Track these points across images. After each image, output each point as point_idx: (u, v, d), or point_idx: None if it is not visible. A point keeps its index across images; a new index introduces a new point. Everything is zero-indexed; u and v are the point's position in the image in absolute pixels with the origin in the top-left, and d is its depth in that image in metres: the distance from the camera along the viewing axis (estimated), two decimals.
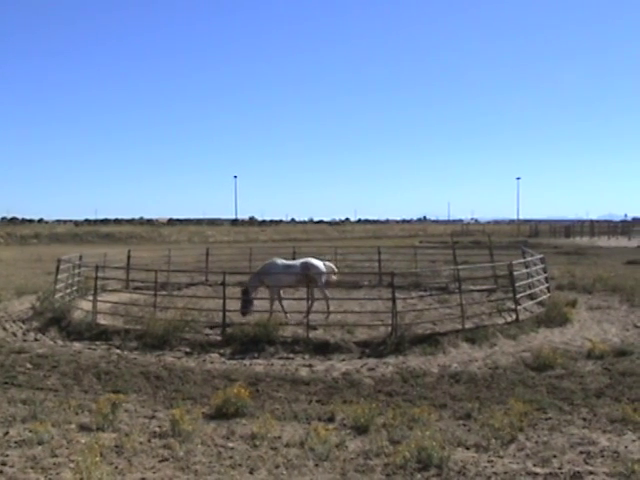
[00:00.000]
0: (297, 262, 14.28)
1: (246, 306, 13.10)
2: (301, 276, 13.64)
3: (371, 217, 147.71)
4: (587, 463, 5.87)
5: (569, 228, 67.26)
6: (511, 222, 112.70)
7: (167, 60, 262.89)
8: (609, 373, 9.30)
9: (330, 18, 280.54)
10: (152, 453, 6.14)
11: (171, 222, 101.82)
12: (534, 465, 5.82)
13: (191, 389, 8.68)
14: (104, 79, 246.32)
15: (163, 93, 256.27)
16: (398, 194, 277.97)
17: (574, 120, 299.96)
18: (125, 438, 6.44)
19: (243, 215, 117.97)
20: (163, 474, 5.63)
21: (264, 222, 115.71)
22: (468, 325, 12.17)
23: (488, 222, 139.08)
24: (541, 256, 17.06)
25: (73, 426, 6.89)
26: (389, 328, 11.71)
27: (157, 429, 6.88)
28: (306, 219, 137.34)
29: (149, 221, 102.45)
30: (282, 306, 13.62)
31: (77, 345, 11.56)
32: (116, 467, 5.72)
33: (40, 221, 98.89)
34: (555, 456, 6.04)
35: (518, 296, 13.62)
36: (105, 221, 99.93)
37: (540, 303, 14.92)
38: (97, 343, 11.70)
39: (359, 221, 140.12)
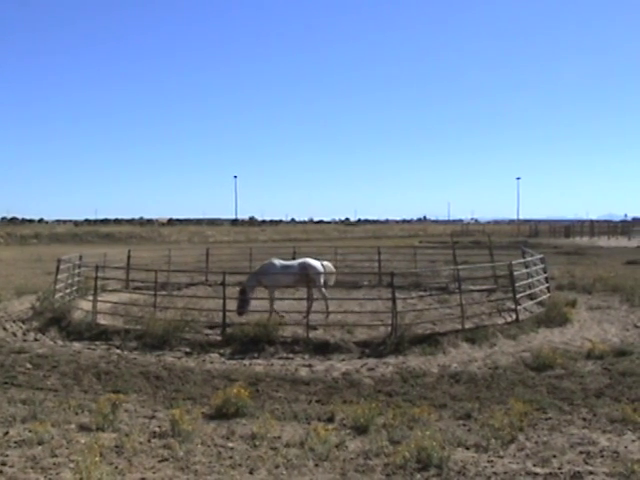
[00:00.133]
0: (295, 262, 14.30)
1: (243, 306, 13.11)
2: (299, 276, 13.67)
3: (371, 217, 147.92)
4: (587, 463, 5.87)
5: (569, 228, 67.29)
6: (511, 222, 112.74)
7: (167, 60, 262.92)
8: (609, 373, 9.30)
9: (330, 18, 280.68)
10: (152, 453, 6.14)
11: (171, 222, 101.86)
12: (534, 465, 5.82)
13: (191, 389, 8.68)
14: (104, 79, 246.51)
15: (163, 93, 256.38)
16: (398, 194, 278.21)
17: (574, 120, 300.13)
18: (125, 438, 6.44)
19: (243, 215, 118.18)
20: (163, 474, 5.63)
21: (264, 222, 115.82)
22: (468, 325, 12.18)
23: (488, 222, 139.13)
24: (541, 256, 17.07)
25: (73, 426, 6.89)
26: (389, 328, 11.71)
27: (157, 429, 6.88)
28: (306, 219, 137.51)
29: (149, 221, 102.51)
30: (272, 305, 13.58)
31: (77, 345, 11.56)
32: (116, 467, 5.72)
33: (40, 221, 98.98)
34: (555, 456, 6.04)
35: (518, 296, 13.62)
36: (105, 221, 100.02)
37: (540, 303, 14.92)
38: (97, 343, 11.70)
39: (359, 221, 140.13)
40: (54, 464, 5.80)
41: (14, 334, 12.53)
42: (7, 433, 6.63)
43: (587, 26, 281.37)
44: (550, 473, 5.63)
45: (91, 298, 13.67)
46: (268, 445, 6.37)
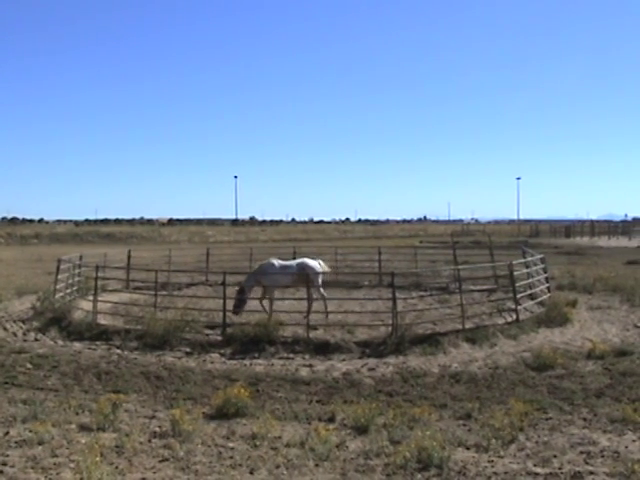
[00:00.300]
0: (293, 262, 14.32)
1: (239, 305, 13.10)
2: (297, 276, 13.70)
3: (371, 217, 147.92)
4: (587, 463, 5.87)
5: (569, 228, 67.25)
6: (511, 222, 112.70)
7: (167, 60, 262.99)
8: (609, 373, 9.30)
9: (330, 18, 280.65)
10: (152, 453, 6.14)
11: (171, 222, 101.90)
12: (534, 465, 5.82)
13: (191, 389, 8.68)
14: (104, 79, 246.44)
15: (163, 93, 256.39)
16: (398, 194, 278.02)
17: (574, 120, 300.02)
18: (125, 438, 6.44)
19: (243, 215, 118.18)
20: (163, 474, 5.63)
21: (264, 222, 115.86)
22: (468, 325, 12.18)
23: (488, 222, 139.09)
24: (541, 256, 17.06)
25: (73, 426, 6.89)
26: (389, 328, 11.71)
27: (157, 429, 6.88)
28: (306, 219, 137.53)
29: (149, 221, 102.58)
30: (262, 305, 13.57)
31: (77, 345, 11.56)
32: (116, 467, 5.72)
33: (40, 221, 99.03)
34: (555, 456, 6.04)
35: (518, 296, 13.62)
36: (105, 221, 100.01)
37: (540, 303, 14.92)
38: (97, 343, 11.71)
39: (359, 221, 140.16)
40: (54, 464, 5.80)
41: (14, 334, 12.53)
42: (8, 433, 6.63)
43: (587, 26, 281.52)
44: (550, 473, 5.63)
45: (91, 298, 13.67)
46: (268, 445, 6.37)
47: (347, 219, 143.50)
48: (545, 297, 15.37)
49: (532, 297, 15.26)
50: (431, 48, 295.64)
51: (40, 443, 6.29)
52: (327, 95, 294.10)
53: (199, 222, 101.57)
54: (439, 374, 9.47)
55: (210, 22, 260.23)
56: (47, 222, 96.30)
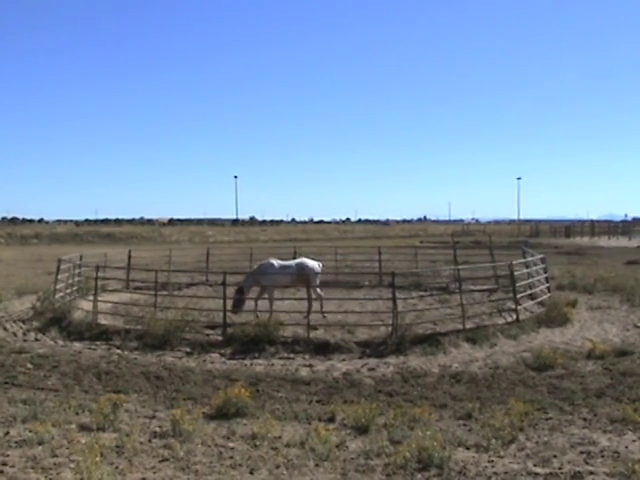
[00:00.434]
0: (292, 262, 14.34)
1: (238, 305, 13.09)
2: (296, 276, 13.71)
3: (371, 217, 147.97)
4: (587, 463, 5.86)
5: (569, 228, 67.21)
6: (511, 222, 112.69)
7: (167, 60, 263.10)
8: (610, 373, 9.30)
9: (330, 18, 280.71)
10: (152, 453, 6.14)
11: (172, 222, 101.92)
12: (534, 465, 5.82)
13: (192, 389, 8.68)
14: (104, 79, 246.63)
15: (163, 93, 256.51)
16: (398, 194, 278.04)
17: (574, 120, 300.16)
18: (125, 438, 6.44)
19: (244, 215, 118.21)
20: (164, 474, 5.63)
21: (264, 222, 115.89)
22: (469, 325, 12.17)
23: (489, 222, 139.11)
24: (541, 256, 17.06)
25: (73, 426, 6.88)
26: (390, 328, 11.71)
27: (157, 429, 6.88)
28: (306, 219, 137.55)
29: (149, 221, 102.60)
30: (256, 305, 13.57)
31: (77, 345, 11.56)
32: (116, 467, 5.72)
33: (40, 221, 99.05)
34: (555, 456, 6.04)
35: (518, 296, 13.62)
36: (105, 221, 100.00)
37: (540, 303, 14.92)
38: (97, 343, 11.70)
39: (359, 221, 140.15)
40: (55, 464, 5.80)
41: (15, 334, 12.53)
42: (8, 433, 6.63)
43: (587, 26, 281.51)
44: (551, 473, 5.62)
45: (91, 298, 13.67)
46: (269, 445, 6.37)
47: (347, 219, 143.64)
48: (545, 297, 15.37)
49: (532, 297, 15.25)
50: (431, 48, 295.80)
51: (40, 443, 6.29)
52: (327, 95, 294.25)
53: (199, 222, 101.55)
54: (439, 374, 9.47)
55: (210, 22, 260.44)
56: (47, 222, 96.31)
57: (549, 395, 8.24)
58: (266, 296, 13.79)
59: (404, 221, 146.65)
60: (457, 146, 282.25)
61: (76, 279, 16.03)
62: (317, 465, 5.85)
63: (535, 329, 12.49)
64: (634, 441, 6.43)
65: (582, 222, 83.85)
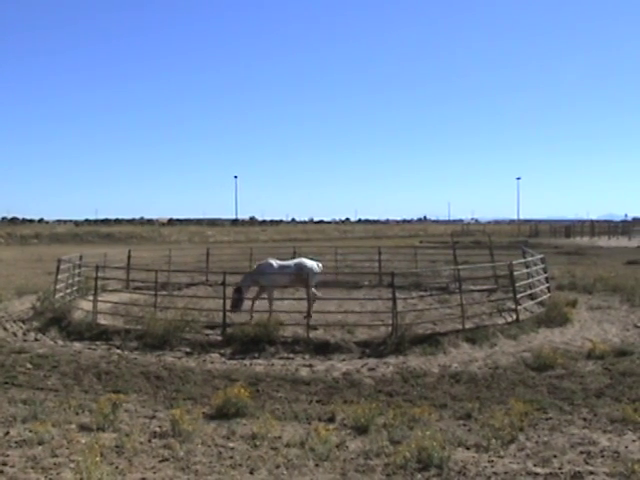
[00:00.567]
0: (291, 262, 14.34)
1: (237, 305, 13.09)
2: (295, 276, 13.72)
3: (371, 217, 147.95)
4: (587, 463, 5.87)
5: (569, 228, 67.21)
6: (511, 222, 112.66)
7: (167, 60, 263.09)
8: (609, 373, 9.30)
9: (330, 18, 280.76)
10: (152, 453, 6.14)
11: (171, 222, 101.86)
12: (534, 465, 5.82)
13: (191, 389, 8.68)
14: (104, 79, 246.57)
15: (163, 93, 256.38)
16: (398, 194, 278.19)
17: (574, 120, 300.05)
18: (125, 438, 6.44)
19: (243, 215, 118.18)
20: (163, 474, 5.63)
21: (264, 222, 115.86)
22: (468, 325, 12.18)
23: (488, 222, 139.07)
24: (541, 256, 17.06)
25: (73, 426, 6.89)
26: (389, 328, 11.71)
27: (157, 429, 6.88)
28: (306, 219, 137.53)
29: (149, 221, 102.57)
30: (253, 305, 13.57)
31: (77, 345, 11.56)
32: (116, 467, 5.72)
33: (40, 221, 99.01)
34: (555, 456, 6.04)
35: (518, 296, 13.62)
36: (105, 221, 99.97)
37: (540, 303, 14.92)
38: (97, 343, 11.70)
39: (359, 221, 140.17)
40: (54, 464, 5.80)
41: (14, 334, 12.53)
42: (8, 433, 6.63)
43: (587, 25, 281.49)
44: (550, 473, 5.63)
45: (91, 298, 13.67)
46: (268, 445, 6.37)
47: (347, 219, 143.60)
48: (545, 297, 15.37)
49: (532, 297, 15.25)
50: (431, 48, 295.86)
51: (40, 443, 6.30)
52: (327, 95, 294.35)
53: (199, 222, 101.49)
54: (439, 374, 9.47)
55: (210, 22, 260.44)
56: (47, 222, 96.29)
57: (549, 395, 8.24)
58: (265, 296, 13.80)
59: (404, 221, 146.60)
60: (457, 146, 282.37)
61: (76, 279, 16.04)
62: (317, 465, 5.85)
63: (535, 329, 12.49)
64: (634, 441, 6.43)
65: (582, 222, 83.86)
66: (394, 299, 11.87)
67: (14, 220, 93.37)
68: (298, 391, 8.61)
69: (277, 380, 9.14)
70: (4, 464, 5.78)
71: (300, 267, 13.82)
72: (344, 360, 10.40)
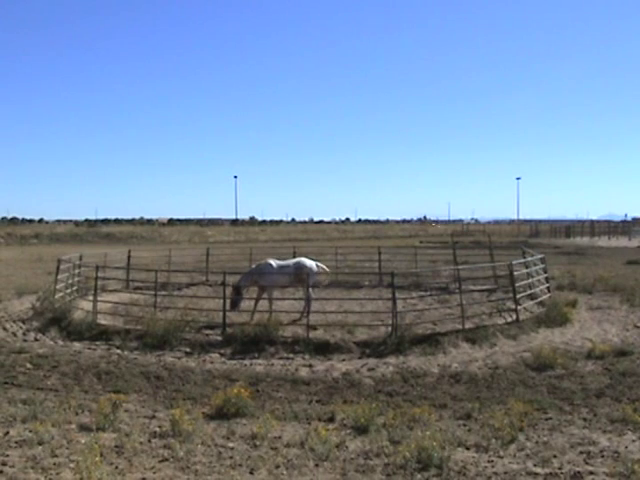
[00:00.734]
0: (290, 262, 14.35)
1: (235, 304, 13.08)
2: (294, 276, 13.74)
3: (371, 217, 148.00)
4: (587, 463, 5.87)
5: (569, 228, 67.20)
6: (511, 222, 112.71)
7: (167, 60, 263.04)
8: (609, 373, 9.31)
9: (330, 18, 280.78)
10: (152, 453, 6.14)
11: (171, 222, 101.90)
12: (534, 465, 5.83)
13: (191, 389, 8.68)
14: (104, 79, 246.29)
15: (163, 93, 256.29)
16: (398, 194, 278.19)
17: (574, 120, 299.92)
18: (125, 438, 6.44)
19: (243, 215, 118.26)
20: (163, 474, 5.64)
21: (264, 222, 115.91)
22: (468, 325, 12.18)
23: (488, 222, 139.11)
24: (541, 256, 17.07)
25: (73, 426, 6.89)
26: (389, 328, 11.72)
27: (157, 429, 6.88)
28: (306, 219, 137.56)
29: (149, 221, 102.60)
30: (255, 305, 13.58)
31: (77, 345, 11.57)
32: (116, 467, 5.73)
33: (40, 221, 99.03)
34: (555, 456, 6.04)
35: (518, 296, 13.62)
36: (105, 221, 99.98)
37: (540, 303, 14.92)
38: (97, 343, 11.71)
39: (359, 221, 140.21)
40: (54, 464, 5.80)
41: (14, 334, 12.53)
42: (7, 433, 6.63)
43: (587, 25, 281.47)
44: (550, 473, 5.63)
45: (91, 298, 13.67)
46: (268, 445, 6.38)
47: (347, 219, 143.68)
48: (545, 297, 15.37)
49: (532, 297, 15.25)
50: (431, 48, 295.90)
51: (40, 443, 6.30)
52: (327, 95, 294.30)
53: (199, 222, 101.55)
54: (439, 374, 9.47)
55: (210, 22, 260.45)
56: (47, 222, 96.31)
57: (549, 395, 8.24)
58: (265, 296, 13.81)
59: (404, 221, 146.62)
60: (457, 146, 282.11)
61: (76, 279, 16.04)
62: (317, 465, 5.86)
63: (535, 329, 12.49)
64: (634, 441, 6.43)
65: (582, 222, 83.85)
66: (394, 299, 11.88)
67: (14, 220, 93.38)
68: (298, 391, 8.61)
69: (277, 380, 9.14)
70: (4, 464, 5.78)
71: (299, 267, 13.83)
72: (344, 360, 10.40)
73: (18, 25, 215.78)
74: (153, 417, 7.38)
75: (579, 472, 5.62)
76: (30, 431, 6.58)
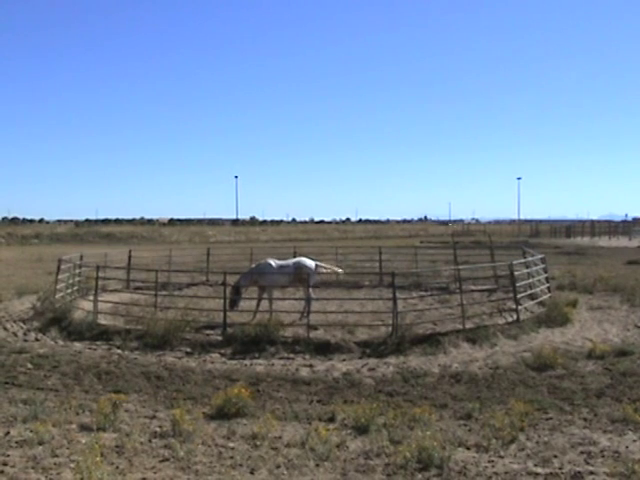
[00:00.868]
0: (290, 262, 14.35)
1: (234, 304, 13.08)
2: (294, 276, 13.74)
3: (372, 217, 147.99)
4: (588, 463, 5.87)
5: (570, 228, 67.19)
6: (512, 222, 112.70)
7: (167, 60, 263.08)
8: (610, 373, 9.30)
9: (330, 18, 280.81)
10: (153, 453, 6.14)
11: (172, 222, 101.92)
12: (535, 465, 5.82)
13: (192, 389, 8.68)
14: (104, 79, 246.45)
15: (164, 93, 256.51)
16: (399, 194, 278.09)
17: (574, 120, 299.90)
18: (126, 438, 6.45)
19: (244, 215, 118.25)
20: (164, 474, 5.64)
21: (265, 222, 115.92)
22: (469, 325, 12.18)
23: (489, 222, 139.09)
24: (542, 256, 17.06)
25: (74, 426, 6.89)
26: (390, 328, 11.72)
27: (158, 429, 6.88)
28: (307, 219, 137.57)
29: (150, 221, 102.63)
30: (257, 306, 13.58)
31: (78, 345, 11.57)
32: (117, 467, 5.73)
33: (41, 221, 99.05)
34: (556, 456, 6.04)
35: (519, 296, 13.62)
36: (106, 221, 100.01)
37: (541, 303, 14.92)
38: (98, 343, 11.71)
39: (360, 221, 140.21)
40: (55, 464, 5.80)
41: (15, 334, 12.53)
42: (8, 433, 6.64)
43: (587, 26, 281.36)
44: (551, 473, 5.63)
45: (92, 298, 13.67)
46: (269, 445, 6.38)
47: (348, 219, 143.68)
48: (545, 297, 15.37)
49: (532, 297, 15.25)
50: (431, 48, 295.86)
51: (40, 443, 6.30)
52: (328, 95, 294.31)
53: (200, 222, 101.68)
54: (439, 374, 9.47)
55: (210, 22, 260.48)
56: (47, 222, 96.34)
57: (549, 395, 8.24)
58: (265, 296, 13.82)
59: (404, 221, 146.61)
60: (457, 146, 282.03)
61: (76, 279, 16.05)
62: (317, 465, 5.86)
63: (535, 329, 12.49)
64: (634, 441, 6.43)
65: (582, 222, 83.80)
66: (394, 299, 11.88)
67: (15, 220, 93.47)
68: (298, 391, 8.61)
69: (277, 380, 9.14)
70: (4, 464, 5.78)
71: (299, 267, 13.84)
72: (344, 360, 10.40)
73: (18, 25, 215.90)
74: (154, 417, 7.38)
75: (580, 472, 5.62)
76: (31, 431, 6.59)
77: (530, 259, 16.56)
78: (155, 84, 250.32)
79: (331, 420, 7.24)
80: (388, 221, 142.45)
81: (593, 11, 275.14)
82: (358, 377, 9.34)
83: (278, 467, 5.81)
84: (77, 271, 16.23)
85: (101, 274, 14.28)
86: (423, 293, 17.64)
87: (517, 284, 13.82)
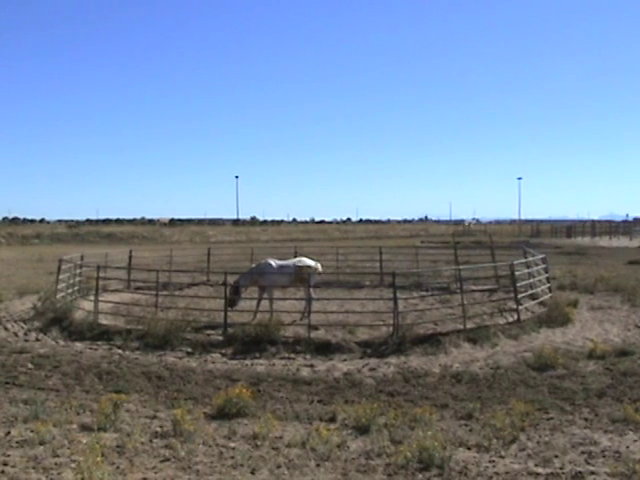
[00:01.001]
0: (290, 262, 14.36)
1: (233, 304, 13.08)
2: (295, 276, 13.75)
3: (373, 217, 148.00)
4: (589, 463, 5.87)
5: (570, 228, 67.15)
6: (513, 222, 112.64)
7: (167, 60, 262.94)
8: (610, 373, 9.30)
9: (331, 18, 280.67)
10: (154, 453, 6.14)
11: (173, 222, 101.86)
12: (536, 465, 5.82)
13: (193, 389, 8.69)
14: (105, 79, 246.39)
15: (164, 93, 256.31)
16: (400, 194, 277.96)
17: (575, 120, 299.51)
18: (126, 438, 6.45)
19: (244, 215, 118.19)
20: (165, 474, 5.64)
21: (265, 222, 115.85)
22: (469, 325, 12.18)
23: (490, 222, 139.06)
24: (542, 256, 17.06)
25: (75, 426, 6.89)
26: (390, 328, 11.72)
27: (159, 429, 6.89)
28: (307, 219, 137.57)
29: (150, 221, 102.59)
30: (258, 306, 13.59)
31: (78, 345, 11.58)
32: (117, 467, 5.73)
33: (41, 221, 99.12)
34: (557, 456, 6.04)
35: (519, 296, 13.62)
36: (107, 221, 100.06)
37: (541, 303, 14.92)
38: (98, 343, 11.72)
39: (360, 221, 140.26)
40: (56, 464, 5.81)
41: (16, 334, 12.55)
42: (9, 433, 6.64)
43: (587, 26, 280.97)
44: (552, 473, 5.63)
45: (93, 298, 13.68)
46: (270, 445, 6.38)
47: (348, 219, 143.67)
48: (546, 297, 15.36)
49: (533, 297, 15.25)
50: (431, 48, 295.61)
51: (41, 443, 6.30)
52: (328, 95, 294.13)
53: (200, 222, 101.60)
54: (440, 374, 9.47)
55: (210, 22, 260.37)
56: (48, 222, 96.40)
57: (550, 395, 8.24)
58: (266, 296, 13.82)
59: (405, 221, 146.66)
60: (458, 146, 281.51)
61: (77, 279, 16.06)
62: (318, 465, 5.86)
63: (536, 329, 12.49)
64: (635, 441, 6.43)
65: (583, 222, 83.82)
66: (395, 299, 11.88)
67: (15, 220, 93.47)
68: (299, 391, 8.62)
69: (278, 380, 9.14)
70: (5, 464, 5.79)
71: (300, 266, 13.84)
72: (345, 360, 10.40)
73: (18, 25, 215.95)
74: (154, 417, 7.39)
75: (580, 472, 5.62)
76: (31, 431, 6.59)
77: (531, 259, 16.56)
78: (155, 84, 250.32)
79: (332, 420, 7.24)
80: (389, 221, 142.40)
81: (593, 11, 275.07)
82: (359, 377, 9.34)
83: (279, 467, 5.81)
84: (78, 271, 16.24)
85: (102, 274, 14.29)
86: (424, 293, 17.64)
87: (518, 284, 13.83)
